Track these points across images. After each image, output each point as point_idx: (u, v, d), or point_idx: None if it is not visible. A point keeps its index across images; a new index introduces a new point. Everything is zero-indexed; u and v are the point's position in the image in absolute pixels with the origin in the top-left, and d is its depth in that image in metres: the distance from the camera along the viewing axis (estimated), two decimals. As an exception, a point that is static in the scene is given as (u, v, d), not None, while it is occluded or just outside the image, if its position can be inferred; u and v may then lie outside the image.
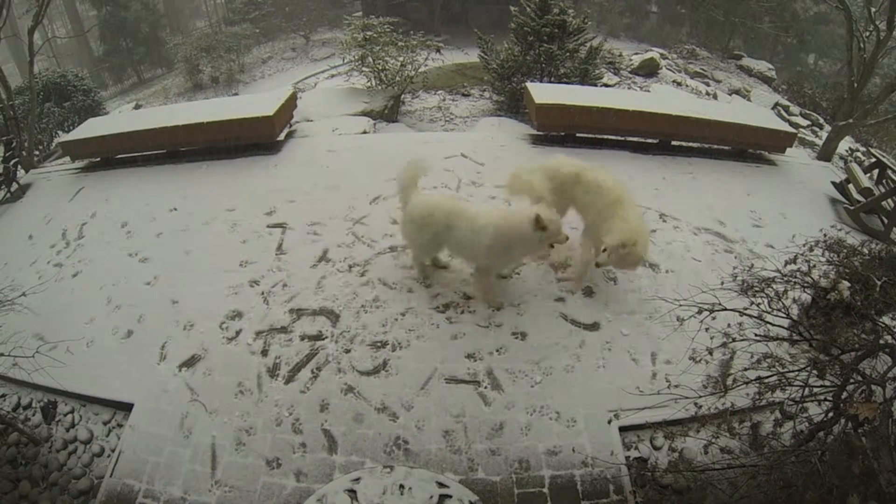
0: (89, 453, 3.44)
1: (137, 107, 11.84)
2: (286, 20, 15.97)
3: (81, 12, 18.98)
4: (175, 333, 3.89)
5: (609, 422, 3.13)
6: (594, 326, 3.78)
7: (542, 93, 6.28)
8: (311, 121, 7.55)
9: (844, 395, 2.27)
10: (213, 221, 4.97)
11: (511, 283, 4.11)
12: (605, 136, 6.25)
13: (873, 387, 2.19)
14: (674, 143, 6.27)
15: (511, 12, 8.39)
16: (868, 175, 5.63)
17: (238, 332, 3.85)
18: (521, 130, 6.91)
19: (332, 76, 11.49)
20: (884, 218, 5.23)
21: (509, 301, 3.94)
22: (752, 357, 2.48)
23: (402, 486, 2.87)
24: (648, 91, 9.88)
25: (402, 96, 8.85)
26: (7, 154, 6.56)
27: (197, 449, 3.19)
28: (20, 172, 6.75)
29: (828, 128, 9.25)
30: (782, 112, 10.19)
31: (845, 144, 8.64)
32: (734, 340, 2.48)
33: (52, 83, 9.94)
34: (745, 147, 6.33)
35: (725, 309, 2.54)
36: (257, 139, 6.25)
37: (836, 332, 2.33)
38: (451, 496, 2.85)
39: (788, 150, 6.41)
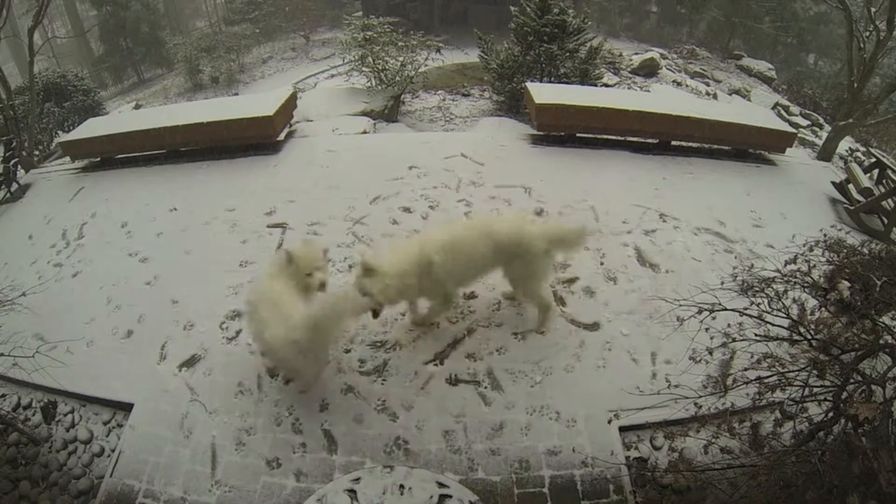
0: (89, 453, 3.44)
1: (137, 107, 11.85)
2: (286, 20, 15.98)
3: (81, 12, 18.99)
4: (175, 333, 3.89)
5: (609, 422, 3.12)
6: (594, 326, 3.77)
7: (542, 93, 6.28)
8: (311, 121, 7.56)
9: (844, 395, 2.26)
10: (213, 221, 4.97)
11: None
12: (605, 136, 6.25)
13: (873, 387, 2.19)
14: (674, 143, 6.27)
15: (511, 12, 8.40)
16: (868, 175, 5.63)
17: (238, 332, 3.84)
18: (521, 130, 6.91)
19: (332, 76, 11.49)
20: (884, 218, 5.23)
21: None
22: (752, 357, 2.48)
23: (402, 486, 2.87)
24: (648, 91, 9.89)
25: (402, 96, 8.85)
26: (7, 154, 6.56)
27: (197, 449, 3.19)
28: (20, 172, 6.76)
29: (828, 128, 9.27)
30: (782, 112, 10.19)
31: (845, 144, 8.64)
32: (734, 340, 2.48)
33: (52, 83, 9.96)
34: (745, 147, 6.33)
35: (725, 309, 2.54)
36: (257, 139, 6.25)
37: (836, 331, 2.32)
38: (451, 496, 2.85)
39: (788, 150, 6.41)
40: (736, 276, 2.74)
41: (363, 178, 5.43)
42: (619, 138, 6.25)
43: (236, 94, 12.12)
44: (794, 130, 6.62)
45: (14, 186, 6.34)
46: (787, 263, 2.76)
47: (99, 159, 6.67)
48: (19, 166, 6.73)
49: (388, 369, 3.51)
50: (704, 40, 14.86)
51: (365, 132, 7.19)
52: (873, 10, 6.66)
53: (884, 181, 5.52)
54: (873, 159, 5.96)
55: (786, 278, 2.63)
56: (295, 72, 12.95)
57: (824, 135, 8.79)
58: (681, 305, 2.65)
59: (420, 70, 9.02)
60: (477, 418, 3.23)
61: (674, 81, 10.80)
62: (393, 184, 5.32)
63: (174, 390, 3.50)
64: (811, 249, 2.89)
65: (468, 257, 3.28)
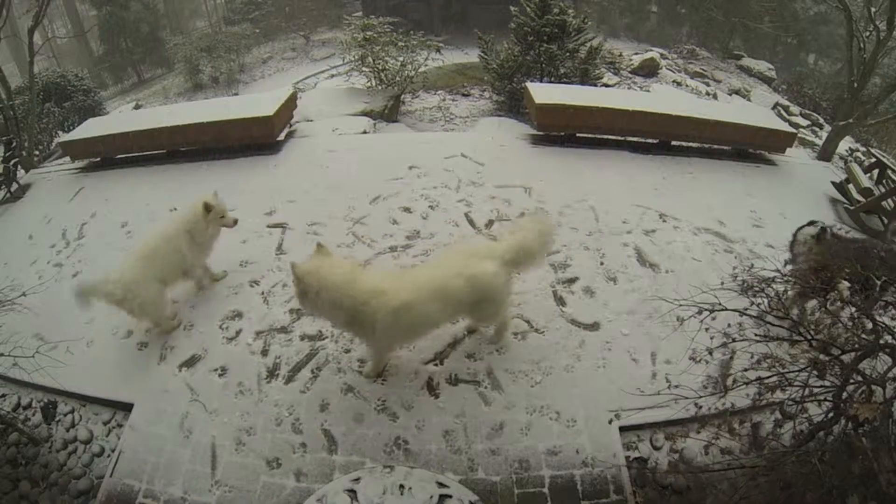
0: (89, 453, 3.44)
1: (137, 107, 11.85)
2: (286, 20, 15.97)
3: (81, 12, 18.98)
4: (175, 333, 3.89)
5: (609, 422, 3.12)
6: (594, 326, 3.77)
7: (543, 93, 6.28)
8: (311, 121, 7.56)
9: (844, 395, 2.26)
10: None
11: (511, 283, 4.09)
12: (605, 136, 6.25)
13: (873, 387, 2.19)
14: (674, 143, 6.27)
15: (511, 12, 8.40)
16: (868, 175, 5.64)
17: (238, 332, 3.85)
18: (521, 130, 6.91)
19: (332, 76, 11.50)
20: (884, 218, 5.23)
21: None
22: (752, 357, 2.48)
23: (402, 486, 2.86)
24: (648, 91, 9.89)
25: (402, 96, 8.86)
26: (7, 154, 6.56)
27: (197, 449, 3.19)
28: (20, 172, 6.76)
29: (828, 128, 9.27)
30: (782, 112, 10.19)
31: (845, 144, 8.64)
32: (734, 341, 2.48)
33: (52, 83, 9.95)
34: (745, 147, 6.33)
35: (725, 309, 2.54)
36: (257, 139, 6.25)
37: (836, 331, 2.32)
38: (451, 496, 2.85)
39: (788, 150, 6.41)
40: (736, 277, 2.74)
41: (363, 178, 5.43)
42: (619, 138, 6.26)
43: (236, 94, 12.12)
44: (794, 130, 6.63)
45: (14, 186, 6.34)
46: (786, 263, 2.76)
47: (99, 159, 6.67)
48: (19, 166, 6.73)
49: (388, 369, 3.51)
50: (704, 40, 14.85)
51: (365, 132, 7.19)
52: (873, 10, 6.66)
53: (884, 181, 5.52)
54: (873, 159, 5.96)
55: (786, 278, 2.63)
56: (295, 72, 12.94)
57: (824, 135, 8.79)
58: (680, 305, 2.65)
59: (420, 70, 9.03)
60: (477, 418, 3.23)
61: (674, 81, 10.81)
62: (393, 184, 5.32)
63: (174, 390, 3.50)
64: (811, 249, 2.89)
65: (422, 319, 3.04)
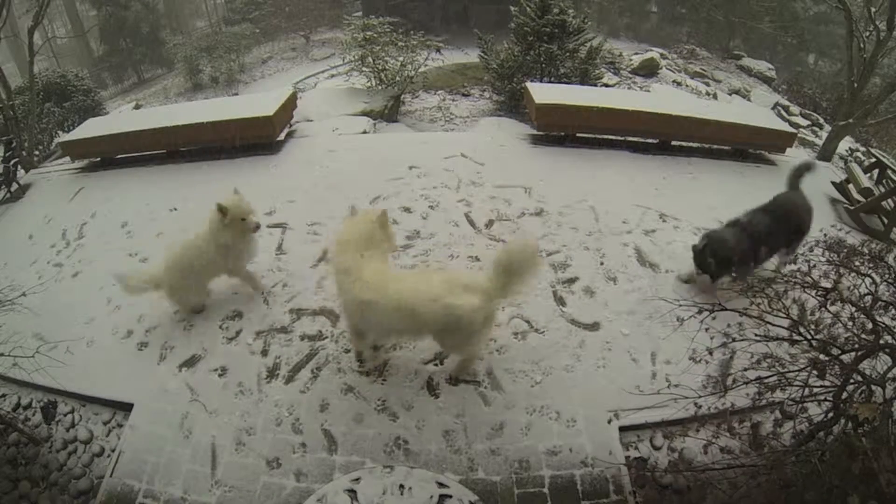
0: (89, 453, 3.44)
1: (137, 107, 11.85)
2: (286, 20, 15.96)
3: (81, 12, 18.98)
4: (175, 333, 3.89)
5: (609, 422, 3.12)
6: (594, 326, 3.77)
7: (542, 93, 6.28)
8: (311, 121, 7.56)
9: (844, 395, 2.26)
10: (213, 221, 4.96)
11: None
12: (605, 136, 6.25)
13: (873, 387, 2.19)
14: (674, 143, 6.27)
15: (511, 12, 8.40)
16: (868, 175, 5.63)
17: (238, 332, 3.85)
18: (521, 130, 6.91)
19: (332, 76, 11.51)
20: (884, 218, 5.22)
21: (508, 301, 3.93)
22: (752, 357, 2.48)
23: (402, 486, 2.87)
24: (648, 91, 9.90)
25: (402, 96, 8.85)
26: (7, 154, 6.56)
27: (197, 449, 3.19)
28: (20, 172, 6.76)
29: (828, 128, 9.27)
30: (782, 112, 10.21)
31: (845, 144, 8.65)
32: (734, 340, 2.48)
33: (52, 83, 9.97)
34: (745, 147, 6.33)
35: (725, 309, 2.54)
36: (257, 139, 6.25)
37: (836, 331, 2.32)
38: (451, 496, 2.85)
39: (788, 150, 6.41)
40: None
41: (363, 178, 5.43)
42: (619, 138, 6.26)
43: (236, 94, 12.13)
44: (794, 130, 6.62)
45: (14, 186, 6.35)
46: (786, 263, 2.76)
47: (99, 159, 6.67)
48: (19, 166, 6.73)
49: (388, 369, 3.51)
50: (704, 40, 14.86)
51: (365, 132, 7.19)
52: (873, 10, 6.66)
53: (884, 181, 5.52)
54: (873, 159, 5.96)
55: (785, 278, 2.63)
56: (295, 72, 12.95)
57: (824, 135, 8.79)
58: (681, 305, 2.65)
59: (420, 70, 9.02)
60: (477, 418, 3.23)
61: (674, 81, 10.82)
62: (393, 184, 5.33)
63: (174, 390, 3.50)
64: (811, 249, 2.88)
65: (391, 326, 3.04)
